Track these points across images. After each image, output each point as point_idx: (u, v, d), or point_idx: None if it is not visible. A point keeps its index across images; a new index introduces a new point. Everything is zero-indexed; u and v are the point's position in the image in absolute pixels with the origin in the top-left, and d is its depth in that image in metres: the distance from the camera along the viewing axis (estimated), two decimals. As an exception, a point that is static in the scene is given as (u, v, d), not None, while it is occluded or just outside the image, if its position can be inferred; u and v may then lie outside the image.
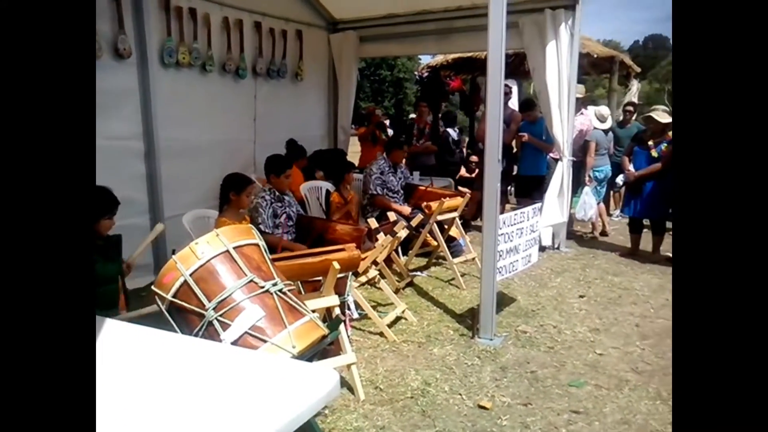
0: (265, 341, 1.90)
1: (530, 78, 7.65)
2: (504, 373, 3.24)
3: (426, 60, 11.76)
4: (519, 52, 6.86)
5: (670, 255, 5.77)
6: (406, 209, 5.35)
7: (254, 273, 2.01)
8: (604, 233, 6.82)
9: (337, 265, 2.82)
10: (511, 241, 3.79)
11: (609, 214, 7.42)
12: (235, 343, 1.89)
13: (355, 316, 3.91)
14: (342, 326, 2.80)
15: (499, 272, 3.68)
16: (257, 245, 2.16)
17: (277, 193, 4.23)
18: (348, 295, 3.38)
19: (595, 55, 9.08)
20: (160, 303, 2.02)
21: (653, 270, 5.35)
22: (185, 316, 1.98)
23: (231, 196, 3.73)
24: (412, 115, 10.44)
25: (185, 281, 1.95)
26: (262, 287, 1.99)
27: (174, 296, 1.97)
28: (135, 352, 1.57)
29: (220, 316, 1.92)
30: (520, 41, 5.60)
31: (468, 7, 6.13)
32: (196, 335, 1.95)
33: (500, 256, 3.65)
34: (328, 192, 5.62)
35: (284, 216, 4.16)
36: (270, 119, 6.06)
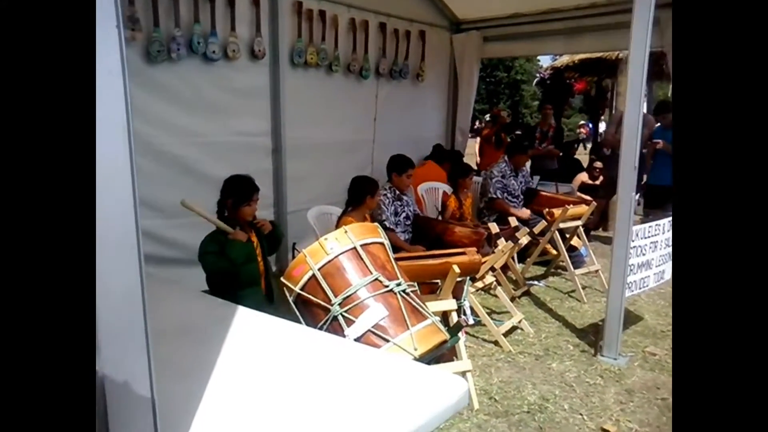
0: (387, 341, 1.89)
1: (662, 80, 7.10)
2: (630, 397, 2.99)
3: (545, 61, 11.35)
4: (653, 51, 6.37)
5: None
6: (525, 212, 5.16)
7: (379, 271, 2.01)
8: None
9: (457, 269, 2.76)
10: (644, 255, 3.50)
11: None
12: (358, 339, 1.90)
13: (471, 321, 3.81)
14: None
15: (629, 288, 3.41)
16: (382, 244, 2.16)
17: (397, 192, 4.24)
18: (465, 299, 3.31)
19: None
20: (288, 294, 2.08)
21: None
22: (311, 309, 2.02)
23: (367, 199, 3.78)
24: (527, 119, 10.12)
25: (313, 275, 1.99)
26: (387, 286, 1.98)
27: (302, 289, 2.02)
28: (269, 341, 1.61)
29: (345, 312, 1.93)
30: (659, 39, 5.17)
31: (602, 4, 5.79)
32: (320, 328, 1.98)
33: (631, 270, 3.39)
34: (444, 194, 5.56)
35: (403, 215, 4.17)
36: (389, 119, 6.11)
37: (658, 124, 5.95)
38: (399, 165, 4.25)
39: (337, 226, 3.55)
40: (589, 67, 9.42)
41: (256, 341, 1.62)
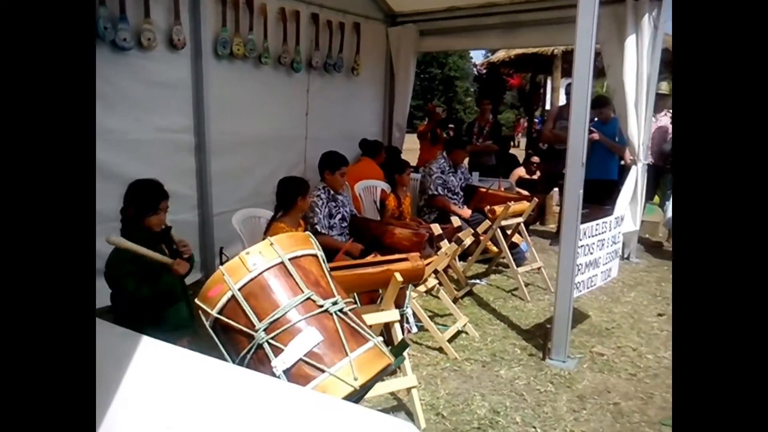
0: (323, 371, 1.61)
1: (596, 76, 7.13)
2: (582, 404, 2.86)
3: (478, 58, 11.37)
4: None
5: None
6: (467, 212, 5.00)
7: (312, 289, 1.73)
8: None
9: (399, 277, 2.53)
10: (591, 253, 3.40)
11: None
12: (287, 371, 1.62)
13: (414, 330, 3.59)
14: (403, 346, 2.50)
15: (577, 288, 3.30)
16: (315, 256, 1.87)
17: (331, 192, 3.96)
18: (407, 307, 3.08)
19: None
20: (204, 319, 1.76)
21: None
22: (232, 336, 1.71)
23: (299, 200, 3.47)
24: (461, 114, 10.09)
25: (233, 296, 1.69)
26: (321, 306, 1.71)
27: (220, 313, 1.71)
28: (174, 381, 1.31)
29: (272, 338, 1.64)
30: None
31: (537, -1, 5.73)
32: (242, 359, 1.68)
33: (578, 269, 3.27)
34: (383, 192, 5.33)
35: (339, 216, 3.89)
36: (322, 115, 5.81)
37: (595, 119, 5.96)
38: (331, 162, 3.97)
39: (267, 234, 3.24)
40: (524, 63, 9.42)
41: (157, 382, 1.31)
